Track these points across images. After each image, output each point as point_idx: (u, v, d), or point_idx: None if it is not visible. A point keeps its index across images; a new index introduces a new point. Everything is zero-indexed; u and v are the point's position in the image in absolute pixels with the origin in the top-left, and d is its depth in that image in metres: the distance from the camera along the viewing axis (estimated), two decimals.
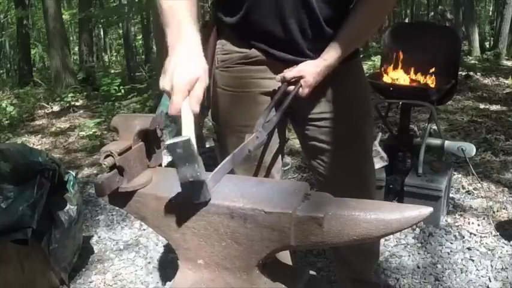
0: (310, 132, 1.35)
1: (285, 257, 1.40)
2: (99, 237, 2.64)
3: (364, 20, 1.19)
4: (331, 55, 1.18)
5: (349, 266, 1.61)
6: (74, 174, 2.22)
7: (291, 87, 1.19)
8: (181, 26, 0.95)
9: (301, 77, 1.17)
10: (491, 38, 13.26)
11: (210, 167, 0.91)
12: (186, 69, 0.88)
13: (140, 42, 16.94)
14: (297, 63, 1.20)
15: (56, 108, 7.05)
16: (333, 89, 1.26)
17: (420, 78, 2.78)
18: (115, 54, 22.63)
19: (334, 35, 1.18)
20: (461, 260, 2.17)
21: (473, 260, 2.16)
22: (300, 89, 1.18)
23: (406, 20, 15.92)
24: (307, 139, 1.39)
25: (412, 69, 2.80)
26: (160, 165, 1.02)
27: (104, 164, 0.86)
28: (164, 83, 0.89)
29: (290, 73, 1.18)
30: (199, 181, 0.83)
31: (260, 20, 1.18)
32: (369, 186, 1.46)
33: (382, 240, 2.18)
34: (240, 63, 1.25)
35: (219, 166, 0.93)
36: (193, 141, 0.83)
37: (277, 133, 1.35)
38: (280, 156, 1.41)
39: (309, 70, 1.17)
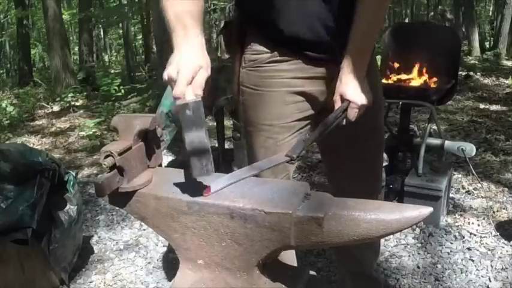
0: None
1: (290, 256, 1.40)
2: (99, 237, 2.64)
3: (366, 17, 1.19)
4: (347, 61, 1.19)
5: (350, 258, 1.62)
6: (74, 174, 2.22)
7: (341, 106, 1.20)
8: (187, 30, 1.01)
9: (342, 96, 1.19)
10: (491, 38, 13.25)
11: None
12: (191, 59, 0.96)
13: (140, 42, 16.92)
14: (325, 60, 1.23)
15: (56, 108, 7.05)
16: None
17: (420, 78, 2.78)
18: (115, 54, 22.63)
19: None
20: (461, 260, 2.17)
21: (473, 260, 2.16)
22: (349, 109, 1.19)
23: (406, 20, 15.91)
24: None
25: (412, 69, 2.80)
26: (160, 165, 1.02)
27: (104, 164, 0.86)
28: (170, 71, 0.95)
29: (337, 100, 1.20)
30: (205, 149, 0.84)
31: (287, 26, 1.20)
32: (379, 180, 1.51)
33: (382, 240, 2.18)
34: (270, 62, 1.26)
35: (234, 172, 0.95)
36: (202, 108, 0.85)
37: (300, 134, 1.35)
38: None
39: (347, 88, 1.19)
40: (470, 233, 2.39)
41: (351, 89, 1.18)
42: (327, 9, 1.18)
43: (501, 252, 2.21)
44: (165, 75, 0.97)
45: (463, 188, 2.92)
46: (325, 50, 1.22)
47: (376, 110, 1.42)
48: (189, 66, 0.94)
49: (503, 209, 2.63)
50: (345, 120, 1.20)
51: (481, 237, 2.35)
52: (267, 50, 1.26)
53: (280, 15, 1.20)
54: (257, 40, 1.27)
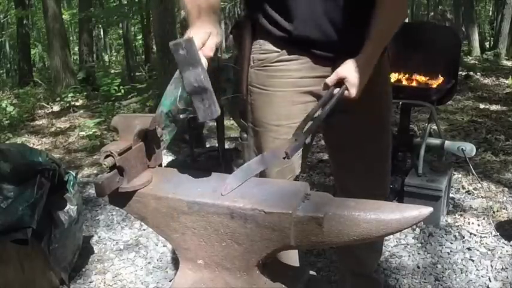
0: (340, 124, 1.36)
1: (293, 256, 1.41)
2: (99, 237, 2.64)
3: (387, 15, 1.19)
4: (367, 51, 1.18)
5: (351, 257, 1.62)
6: (74, 174, 2.22)
7: (337, 90, 1.17)
8: (200, 10, 1.06)
9: (343, 78, 1.17)
10: (491, 38, 13.24)
11: (211, 167, 0.91)
12: (201, 28, 1.02)
13: (140, 42, 16.91)
14: (333, 59, 1.22)
15: (56, 108, 7.04)
16: (370, 83, 1.25)
17: (420, 78, 2.79)
18: (115, 54, 22.60)
19: (365, 32, 1.19)
20: (461, 260, 2.17)
21: (473, 260, 2.16)
22: (346, 91, 1.17)
23: (406, 20, 15.90)
24: (335, 130, 1.41)
25: (412, 69, 2.79)
26: (160, 165, 1.02)
27: (104, 164, 0.86)
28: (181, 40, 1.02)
29: (331, 78, 1.18)
30: (204, 88, 0.83)
31: (296, 24, 1.21)
32: (384, 182, 1.51)
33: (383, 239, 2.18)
34: (278, 61, 1.27)
35: (245, 165, 0.94)
36: (197, 47, 0.86)
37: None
38: (305, 158, 1.42)
39: (349, 69, 1.16)
40: (470, 233, 2.39)
41: (350, 69, 1.16)
42: (335, 8, 1.18)
43: (501, 252, 2.21)
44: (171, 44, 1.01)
45: (463, 188, 2.92)
46: (334, 49, 1.22)
47: (385, 111, 1.42)
48: (199, 33, 0.99)
49: (503, 209, 2.63)
50: (334, 100, 1.16)
51: (481, 237, 2.35)
52: (276, 49, 1.26)
53: (289, 13, 1.20)
54: (266, 39, 1.28)
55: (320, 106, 1.16)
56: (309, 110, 1.28)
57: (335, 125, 1.39)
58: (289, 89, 1.28)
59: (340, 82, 1.17)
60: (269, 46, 1.28)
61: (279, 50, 1.26)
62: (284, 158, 1.03)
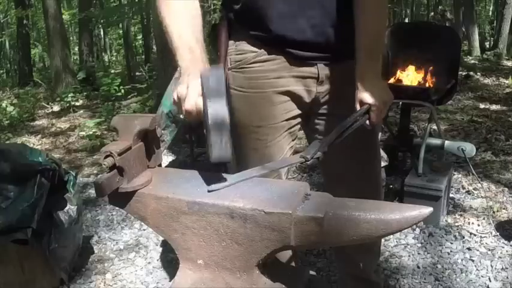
0: (325, 128, 1.35)
1: (289, 256, 1.40)
2: (99, 237, 2.63)
3: (373, 26, 1.18)
4: (372, 69, 1.19)
5: (350, 261, 1.61)
6: (74, 174, 2.22)
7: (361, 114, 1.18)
8: (193, 53, 1.07)
9: (362, 101, 1.18)
10: (491, 38, 13.25)
11: (211, 167, 0.91)
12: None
13: (140, 42, 16.92)
14: (311, 59, 1.22)
15: (56, 108, 7.04)
16: (349, 85, 1.25)
17: (420, 78, 2.79)
18: (115, 54, 22.59)
19: (343, 32, 1.18)
20: (461, 260, 2.17)
21: (473, 260, 2.16)
22: (371, 112, 1.18)
23: (406, 20, 15.90)
24: (320, 135, 1.40)
25: (412, 69, 2.80)
26: (160, 165, 1.02)
27: (104, 164, 0.86)
28: (179, 89, 1.01)
29: (359, 107, 1.19)
30: (226, 124, 0.80)
31: (274, 24, 1.20)
32: (379, 180, 1.49)
33: (382, 240, 2.18)
34: (255, 62, 1.26)
35: (247, 171, 0.96)
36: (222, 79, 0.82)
37: (289, 134, 1.35)
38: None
39: (371, 94, 1.17)
40: (470, 233, 2.39)
41: (368, 93, 1.16)
42: (312, 6, 1.17)
43: (501, 252, 2.21)
44: (175, 95, 1.01)
45: (463, 188, 2.92)
46: (311, 49, 1.21)
47: None
48: (199, 82, 0.95)
49: (503, 209, 2.63)
50: (368, 122, 1.18)
51: (481, 237, 2.35)
52: (253, 49, 1.25)
53: (266, 12, 1.19)
54: (242, 39, 1.27)
55: (342, 129, 1.13)
56: (288, 109, 1.30)
57: (320, 130, 1.38)
58: (268, 90, 1.26)
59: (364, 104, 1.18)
60: (245, 46, 1.26)
61: (256, 49, 1.24)
62: (303, 163, 1.05)
